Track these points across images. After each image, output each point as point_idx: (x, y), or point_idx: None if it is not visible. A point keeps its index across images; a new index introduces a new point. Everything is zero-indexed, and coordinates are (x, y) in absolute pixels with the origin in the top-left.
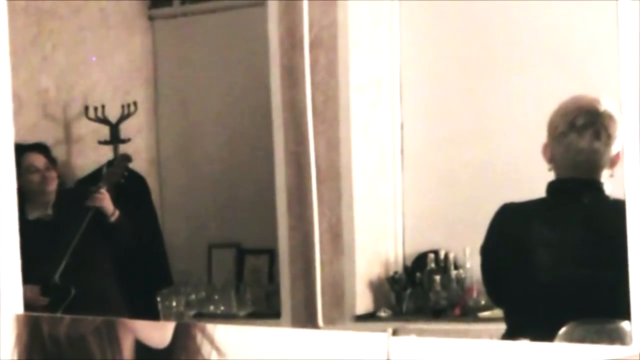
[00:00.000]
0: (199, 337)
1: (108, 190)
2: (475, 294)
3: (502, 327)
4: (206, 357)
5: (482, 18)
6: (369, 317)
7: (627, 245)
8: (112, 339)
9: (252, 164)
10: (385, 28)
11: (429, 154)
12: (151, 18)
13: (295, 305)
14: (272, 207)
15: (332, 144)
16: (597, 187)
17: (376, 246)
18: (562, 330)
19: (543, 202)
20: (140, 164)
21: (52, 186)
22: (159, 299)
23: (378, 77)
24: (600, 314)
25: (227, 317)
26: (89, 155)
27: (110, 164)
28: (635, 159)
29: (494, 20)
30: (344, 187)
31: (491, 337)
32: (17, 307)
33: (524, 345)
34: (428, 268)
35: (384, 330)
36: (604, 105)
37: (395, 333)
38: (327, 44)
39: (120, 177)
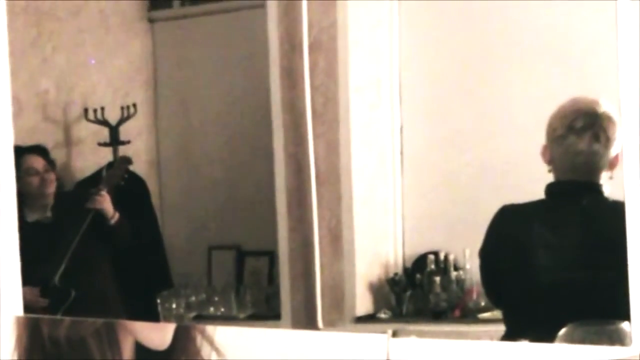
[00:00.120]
0: (199, 338)
1: (108, 193)
2: (475, 296)
3: (501, 328)
4: (206, 359)
5: (481, 19)
6: (369, 319)
7: (626, 246)
8: (112, 341)
9: (252, 165)
10: (384, 30)
11: (428, 156)
12: (151, 20)
13: (295, 307)
14: (272, 209)
15: (332, 146)
16: (596, 189)
17: (376, 248)
18: (562, 331)
19: (542, 203)
20: (140, 166)
21: (51, 189)
22: (159, 300)
23: (377, 79)
24: (599, 315)
25: (227, 319)
26: (89, 157)
27: (110, 166)
28: (634, 161)
29: (493, 21)
30: (343, 188)
31: (491, 339)
32: (17, 309)
33: (524, 346)
34: (428, 269)
35: (384, 332)
36: (603, 107)
37: (395, 334)
38: (326, 45)
39: (120, 179)
